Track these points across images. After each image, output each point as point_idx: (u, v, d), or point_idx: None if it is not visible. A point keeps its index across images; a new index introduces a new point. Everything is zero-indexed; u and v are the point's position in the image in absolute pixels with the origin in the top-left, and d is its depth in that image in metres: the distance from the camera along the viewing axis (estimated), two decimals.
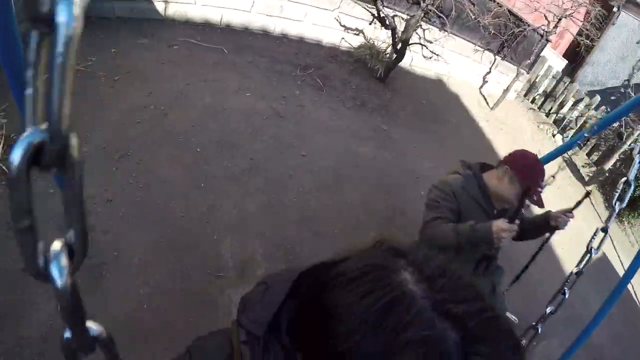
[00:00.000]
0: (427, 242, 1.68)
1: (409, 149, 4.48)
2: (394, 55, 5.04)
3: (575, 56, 9.90)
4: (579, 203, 1.87)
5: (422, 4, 4.89)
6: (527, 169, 1.71)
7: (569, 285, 1.50)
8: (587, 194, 1.90)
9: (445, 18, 5.45)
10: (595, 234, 1.50)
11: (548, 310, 1.49)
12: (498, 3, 6.20)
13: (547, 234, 1.97)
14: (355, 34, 5.07)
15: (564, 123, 7.26)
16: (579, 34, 7.44)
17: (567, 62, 9.94)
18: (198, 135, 3.27)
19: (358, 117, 4.52)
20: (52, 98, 0.23)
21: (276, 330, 0.49)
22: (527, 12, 7.19)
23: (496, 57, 6.66)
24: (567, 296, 1.46)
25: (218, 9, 4.86)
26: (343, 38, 5.39)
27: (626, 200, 1.38)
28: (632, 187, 1.37)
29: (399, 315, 0.39)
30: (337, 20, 5.03)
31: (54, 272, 0.26)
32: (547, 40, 7.14)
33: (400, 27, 4.97)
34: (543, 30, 6.83)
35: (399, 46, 4.97)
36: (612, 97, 8.72)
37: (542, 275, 3.42)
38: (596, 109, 6.98)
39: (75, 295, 0.28)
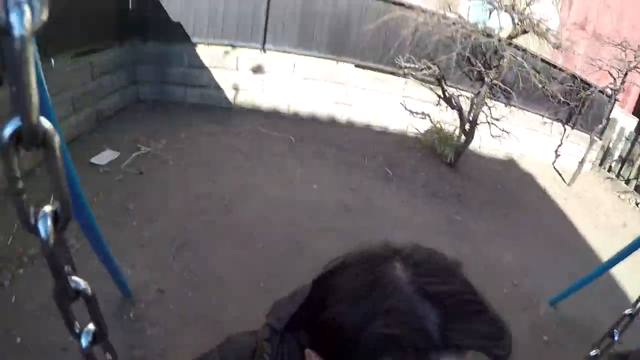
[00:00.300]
0: None
1: (486, 239, 4.11)
2: (463, 138, 4.84)
3: None
4: None
5: (486, 79, 4.76)
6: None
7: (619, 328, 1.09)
8: None
9: (510, 91, 5.26)
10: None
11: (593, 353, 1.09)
12: (560, 68, 5.95)
13: None
14: (421, 118, 4.99)
15: None
16: None
17: (638, 119, 9.24)
18: (261, 230, 3.13)
19: (430, 207, 4.26)
20: (19, 93, 0.28)
21: (294, 328, 0.53)
22: (591, 73, 6.86)
23: (565, 127, 6.27)
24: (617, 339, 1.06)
25: (285, 97, 5.03)
26: (410, 124, 5.32)
27: None
28: None
29: (381, 290, 0.42)
30: (402, 105, 5.01)
31: (41, 227, 0.34)
32: (616, 100, 6.69)
33: (466, 107, 4.82)
34: (610, 89, 6.43)
35: (467, 127, 4.78)
36: None
37: None
38: None
39: (60, 249, 0.36)
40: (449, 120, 5.17)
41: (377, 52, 5.17)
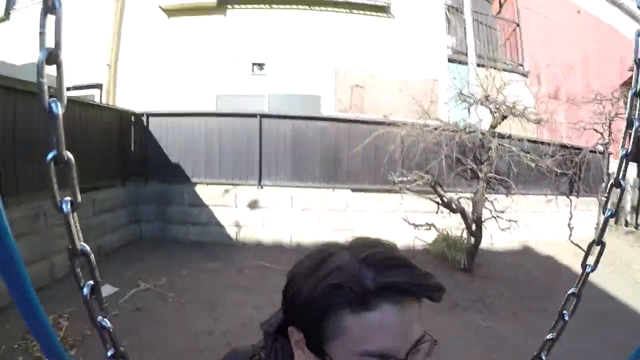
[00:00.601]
0: None
1: (523, 342, 3.77)
2: (472, 239, 4.75)
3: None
4: None
5: (480, 174, 4.77)
6: None
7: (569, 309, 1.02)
8: None
9: (507, 180, 5.27)
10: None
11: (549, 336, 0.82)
12: (548, 142, 6.06)
13: None
14: (426, 229, 4.93)
15: None
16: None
17: (636, 164, 9.29)
18: None
19: (453, 320, 3.99)
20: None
21: (285, 331, 0.59)
22: (577, 136, 7.04)
23: (570, 197, 6.25)
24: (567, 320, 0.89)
25: (286, 229, 5.03)
26: (416, 237, 5.26)
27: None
28: None
29: (328, 263, 0.52)
30: (404, 220, 4.99)
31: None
32: (609, 153, 6.77)
33: (468, 207, 4.79)
34: (600, 144, 6.53)
35: (473, 227, 4.71)
36: None
37: None
38: None
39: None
40: (454, 225, 5.10)
41: (370, 173, 5.33)
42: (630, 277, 5.27)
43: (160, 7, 6.64)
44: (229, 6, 6.61)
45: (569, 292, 0.82)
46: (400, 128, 4.91)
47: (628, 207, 7.22)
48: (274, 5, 6.64)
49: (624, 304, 4.49)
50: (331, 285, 0.50)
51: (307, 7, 6.57)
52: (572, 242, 6.22)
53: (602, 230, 0.82)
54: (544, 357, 0.82)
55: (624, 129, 0.65)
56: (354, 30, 6.51)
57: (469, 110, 5.43)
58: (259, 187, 5.29)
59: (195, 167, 5.32)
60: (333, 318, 0.50)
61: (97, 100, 6.62)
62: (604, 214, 0.69)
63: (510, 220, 4.96)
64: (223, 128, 5.32)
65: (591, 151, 6.46)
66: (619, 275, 5.36)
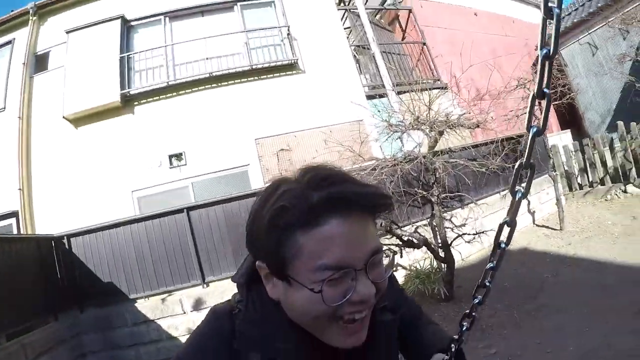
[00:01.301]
0: None
1: (536, 350, 3.32)
2: (443, 266, 4.42)
3: (572, 117, 9.72)
4: None
5: (432, 198, 4.54)
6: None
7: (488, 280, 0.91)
8: None
9: (461, 194, 5.09)
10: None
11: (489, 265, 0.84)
12: (486, 142, 6.10)
13: None
14: (394, 271, 4.58)
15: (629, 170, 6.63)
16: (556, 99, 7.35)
17: (569, 130, 9.64)
18: None
19: None
20: None
21: (257, 280, 0.62)
22: (512, 127, 7.17)
23: (521, 185, 6.18)
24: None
25: None
26: None
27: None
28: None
29: (276, 192, 0.56)
30: None
31: None
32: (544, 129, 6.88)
33: (429, 234, 4.50)
34: (535, 125, 6.61)
35: (441, 253, 4.39)
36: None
37: None
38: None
39: None
40: (420, 256, 4.78)
41: None
42: (607, 236, 5.28)
43: (64, 117, 6.28)
44: (135, 103, 6.34)
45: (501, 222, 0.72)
46: None
47: (576, 171, 7.42)
48: (180, 92, 6.42)
49: (617, 264, 4.37)
50: (279, 208, 0.54)
51: (214, 84, 6.41)
52: (537, 225, 6.29)
53: (514, 212, 0.65)
54: (488, 284, 0.79)
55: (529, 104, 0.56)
56: (267, 95, 6.36)
57: (400, 139, 5.30)
58: (204, 285, 4.78)
59: (130, 282, 4.80)
60: (288, 241, 0.53)
61: (14, 230, 6.03)
62: (512, 195, 0.63)
63: (476, 233, 4.71)
64: (150, 232, 4.85)
65: (519, 137, 6.57)
66: (597, 238, 5.34)
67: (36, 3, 6.66)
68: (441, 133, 4.85)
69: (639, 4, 7.79)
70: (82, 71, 6.25)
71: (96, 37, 6.40)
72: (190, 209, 4.90)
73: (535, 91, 0.55)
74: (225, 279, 4.77)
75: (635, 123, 6.75)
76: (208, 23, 6.84)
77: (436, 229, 4.41)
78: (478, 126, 5.77)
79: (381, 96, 7.08)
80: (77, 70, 6.27)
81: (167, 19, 6.75)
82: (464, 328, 0.76)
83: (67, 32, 6.46)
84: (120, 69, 6.25)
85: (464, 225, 4.74)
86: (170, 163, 6.16)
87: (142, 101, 6.38)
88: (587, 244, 5.22)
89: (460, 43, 8.58)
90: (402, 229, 4.44)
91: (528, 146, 0.59)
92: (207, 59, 6.46)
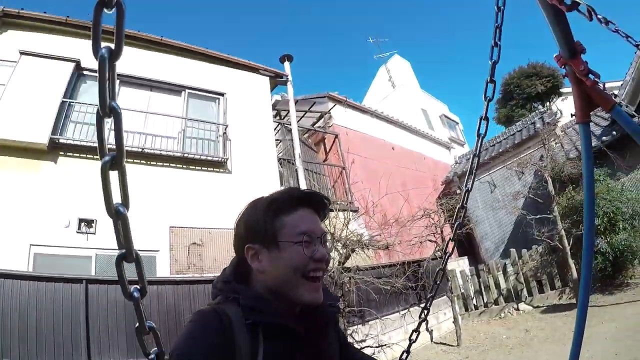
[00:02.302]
0: None
1: None
2: None
3: (469, 245, 10.96)
4: None
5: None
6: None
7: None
8: None
9: (368, 309, 5.41)
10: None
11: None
12: (390, 264, 6.59)
13: None
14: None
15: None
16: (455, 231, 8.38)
17: (466, 257, 10.73)
18: None
19: None
20: None
21: (240, 279, 0.89)
22: (415, 252, 8.05)
23: (420, 305, 6.69)
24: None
25: None
26: None
27: None
28: None
29: (260, 199, 0.95)
30: None
31: None
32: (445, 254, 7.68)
33: None
34: (437, 253, 7.39)
35: None
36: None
37: None
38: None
39: None
40: None
41: None
42: (503, 349, 5.71)
43: None
44: (61, 152, 5.86)
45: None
46: None
47: (472, 293, 8.23)
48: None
49: None
50: (272, 199, 0.89)
51: (143, 161, 6.28)
52: (435, 342, 6.67)
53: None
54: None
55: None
56: (190, 186, 6.36)
57: None
58: None
59: (6, 348, 3.90)
60: (277, 219, 0.86)
61: None
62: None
63: (379, 346, 4.92)
64: (42, 295, 4.18)
65: (432, 259, 7.27)
66: (493, 351, 5.72)
67: (4, 9, 6.09)
68: (353, 250, 5.34)
69: (532, 151, 9.69)
70: (21, 99, 5.71)
71: (46, 70, 6.02)
72: (90, 281, 4.42)
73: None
74: None
75: (526, 250, 7.94)
76: (153, 99, 6.93)
77: None
78: (387, 247, 6.41)
79: None
80: (17, 96, 5.72)
81: (118, 81, 6.82)
82: None
83: (21, 53, 6.01)
84: (58, 112, 5.85)
85: (364, 340, 4.95)
86: (79, 227, 5.54)
87: (68, 153, 5.90)
88: (484, 356, 5.59)
89: (376, 172, 9.70)
90: None
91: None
92: (143, 133, 6.45)
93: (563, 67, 1.78)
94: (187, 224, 6.00)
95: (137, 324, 0.58)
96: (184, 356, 0.76)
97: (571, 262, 6.91)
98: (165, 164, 6.37)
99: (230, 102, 7.57)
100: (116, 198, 0.51)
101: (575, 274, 6.71)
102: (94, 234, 5.62)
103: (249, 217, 0.90)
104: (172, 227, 5.88)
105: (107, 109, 0.48)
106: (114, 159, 0.49)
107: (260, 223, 0.86)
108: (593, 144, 8.13)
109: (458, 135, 18.21)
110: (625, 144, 7.41)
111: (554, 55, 1.89)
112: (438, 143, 15.22)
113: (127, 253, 0.52)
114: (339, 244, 5.12)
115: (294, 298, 0.85)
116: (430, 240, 8.50)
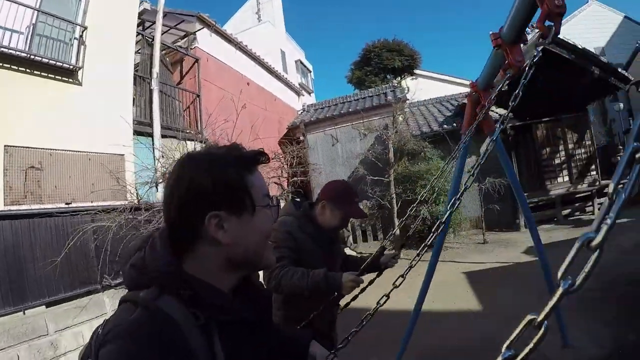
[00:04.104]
0: (276, 289, 1.77)
1: None
2: None
3: (304, 190, 12.54)
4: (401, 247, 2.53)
5: None
6: (338, 197, 1.96)
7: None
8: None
9: None
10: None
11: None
12: None
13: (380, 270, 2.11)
14: None
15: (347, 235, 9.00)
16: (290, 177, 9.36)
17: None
18: None
19: None
20: None
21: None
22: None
23: None
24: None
25: None
26: None
27: None
28: None
29: (213, 150, 0.81)
30: None
31: None
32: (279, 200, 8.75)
33: None
34: (280, 195, 8.15)
35: None
36: None
37: None
38: None
39: None
40: None
41: (66, 278, 4.36)
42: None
43: None
44: None
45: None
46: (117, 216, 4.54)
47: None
48: None
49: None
50: (240, 155, 0.77)
51: None
52: None
53: None
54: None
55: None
56: (32, 96, 5.36)
57: (156, 186, 5.71)
58: None
59: None
60: (246, 178, 0.75)
61: None
62: None
63: None
64: None
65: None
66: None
67: None
68: None
69: (379, 118, 10.87)
70: None
71: None
72: None
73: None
74: None
75: None
76: None
77: None
78: None
79: (146, 135, 7.19)
80: None
81: None
82: None
83: None
84: None
85: None
86: None
87: None
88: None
89: (229, 105, 9.71)
90: None
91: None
92: None
93: (474, 92, 2.40)
94: (27, 143, 5.16)
95: None
96: None
97: (396, 220, 8.55)
98: (5, 64, 5.16)
99: (93, 3, 6.41)
100: None
101: (398, 231, 7.42)
102: None
103: (216, 175, 0.72)
104: (8, 146, 4.95)
105: None
106: None
107: (235, 183, 0.73)
108: (435, 129, 10.33)
109: (308, 83, 19.29)
110: (458, 136, 9.57)
111: (471, 82, 2.53)
112: (290, 87, 15.80)
113: None
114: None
115: (260, 265, 0.81)
116: (275, 183, 9.05)
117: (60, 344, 4.08)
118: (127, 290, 0.72)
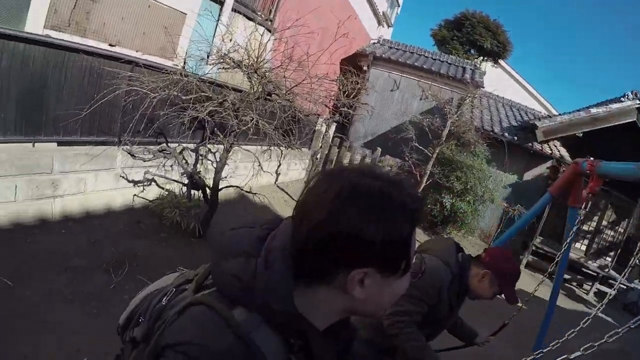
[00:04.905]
0: (390, 335, 1.69)
1: None
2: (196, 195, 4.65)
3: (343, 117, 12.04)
4: (500, 329, 2.24)
5: (206, 126, 4.52)
6: (508, 276, 1.78)
7: None
8: (505, 324, 2.25)
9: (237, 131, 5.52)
10: None
11: None
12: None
13: (467, 345, 2.20)
14: (146, 184, 4.53)
15: None
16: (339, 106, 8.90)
17: (335, 125, 11.80)
18: None
19: None
20: None
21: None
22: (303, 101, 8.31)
23: (281, 148, 7.37)
24: None
25: None
26: (135, 195, 4.67)
27: None
28: None
29: (389, 201, 0.60)
30: (123, 177, 4.37)
31: None
32: (318, 115, 8.03)
33: (191, 158, 4.72)
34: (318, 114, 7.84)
35: (194, 178, 4.60)
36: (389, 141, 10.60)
37: None
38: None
39: None
40: (177, 177, 4.87)
41: (85, 122, 3.93)
42: None
43: None
44: None
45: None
46: (131, 70, 4.04)
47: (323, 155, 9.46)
48: None
49: None
50: (413, 209, 0.59)
51: None
52: (277, 186, 6.74)
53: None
54: None
55: None
56: None
57: (207, 57, 5.08)
58: None
59: None
60: (412, 238, 0.61)
61: None
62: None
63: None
64: None
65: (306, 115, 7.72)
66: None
67: None
68: (250, 78, 4.87)
69: (447, 89, 10.56)
70: None
71: None
72: None
73: None
74: None
75: (390, 156, 9.39)
76: None
77: (216, 174, 4.57)
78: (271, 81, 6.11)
79: (219, 2, 6.56)
80: None
81: None
82: None
83: None
84: None
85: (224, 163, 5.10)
86: None
87: None
88: None
89: (307, 3, 8.78)
90: (170, 145, 4.50)
91: None
92: None
93: (589, 170, 2.29)
94: None
95: None
96: None
97: None
98: None
99: None
100: None
101: None
102: None
103: (389, 231, 0.56)
104: None
105: None
106: None
107: (403, 242, 0.59)
108: (496, 131, 9.72)
109: (392, 16, 17.52)
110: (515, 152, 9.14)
111: (589, 160, 2.37)
112: (375, 13, 14.40)
113: None
114: (255, 74, 4.56)
115: (376, 317, 0.75)
116: (325, 105, 8.77)
117: (61, 185, 3.86)
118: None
